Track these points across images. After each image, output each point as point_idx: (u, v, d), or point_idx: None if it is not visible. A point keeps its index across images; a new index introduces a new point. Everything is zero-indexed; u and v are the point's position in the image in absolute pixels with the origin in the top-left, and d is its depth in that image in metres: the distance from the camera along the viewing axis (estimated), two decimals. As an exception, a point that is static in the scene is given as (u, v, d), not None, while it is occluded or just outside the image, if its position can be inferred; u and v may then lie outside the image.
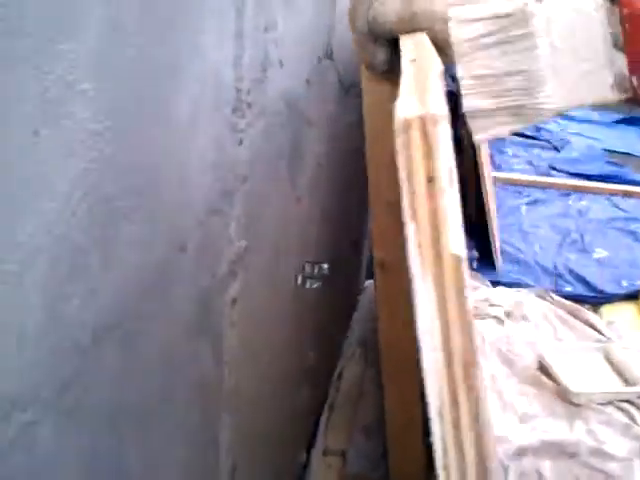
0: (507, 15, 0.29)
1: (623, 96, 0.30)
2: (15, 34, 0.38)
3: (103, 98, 0.47)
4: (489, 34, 0.28)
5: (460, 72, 0.30)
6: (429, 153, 0.25)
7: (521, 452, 1.35)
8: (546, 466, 1.33)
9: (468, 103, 0.31)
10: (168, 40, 0.56)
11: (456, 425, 0.29)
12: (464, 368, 0.27)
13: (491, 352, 1.67)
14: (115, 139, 0.49)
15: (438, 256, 0.26)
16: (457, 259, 0.26)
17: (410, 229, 0.25)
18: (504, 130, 0.32)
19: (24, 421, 0.43)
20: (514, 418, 1.47)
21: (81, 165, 0.46)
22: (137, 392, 0.57)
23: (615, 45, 0.29)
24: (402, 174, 0.26)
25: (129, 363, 0.55)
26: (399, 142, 0.26)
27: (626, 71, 0.29)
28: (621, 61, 0.29)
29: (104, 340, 0.51)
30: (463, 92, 0.29)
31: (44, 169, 0.43)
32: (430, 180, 0.25)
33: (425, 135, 0.25)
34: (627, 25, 0.29)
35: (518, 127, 0.31)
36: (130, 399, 0.56)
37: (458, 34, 0.29)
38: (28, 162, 0.41)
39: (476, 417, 0.30)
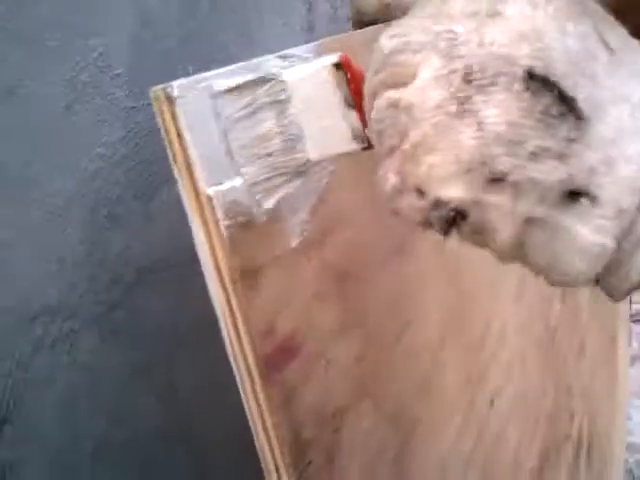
0: (259, 84, 0.34)
1: (362, 146, 0.34)
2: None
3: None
4: (246, 104, 0.33)
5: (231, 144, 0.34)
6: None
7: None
8: None
9: (246, 172, 0.34)
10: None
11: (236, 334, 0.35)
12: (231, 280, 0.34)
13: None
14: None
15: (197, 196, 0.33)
16: (209, 198, 0.33)
17: (175, 171, 0.32)
18: (287, 190, 0.37)
19: (67, 327, 0.57)
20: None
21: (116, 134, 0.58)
22: (189, 323, 0.67)
23: (348, 104, 0.33)
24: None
25: (179, 299, 0.66)
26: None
27: (359, 125, 0.33)
28: (354, 117, 0.33)
29: (151, 278, 0.63)
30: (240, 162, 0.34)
31: (78, 134, 0.55)
32: (179, 136, 0.31)
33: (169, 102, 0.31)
34: (352, 86, 0.33)
35: (296, 184, 0.37)
36: (181, 329, 0.67)
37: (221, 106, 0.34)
38: (63, 129, 0.54)
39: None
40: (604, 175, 0.29)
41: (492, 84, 0.29)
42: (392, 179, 0.31)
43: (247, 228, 0.33)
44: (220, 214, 0.31)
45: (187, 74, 0.36)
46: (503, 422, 0.67)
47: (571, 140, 0.28)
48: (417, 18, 0.32)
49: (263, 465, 0.35)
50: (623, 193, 0.29)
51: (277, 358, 0.34)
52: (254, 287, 0.33)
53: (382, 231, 0.46)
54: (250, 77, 0.33)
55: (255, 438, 0.34)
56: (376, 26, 0.48)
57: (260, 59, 0.36)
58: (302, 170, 0.36)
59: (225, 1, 0.70)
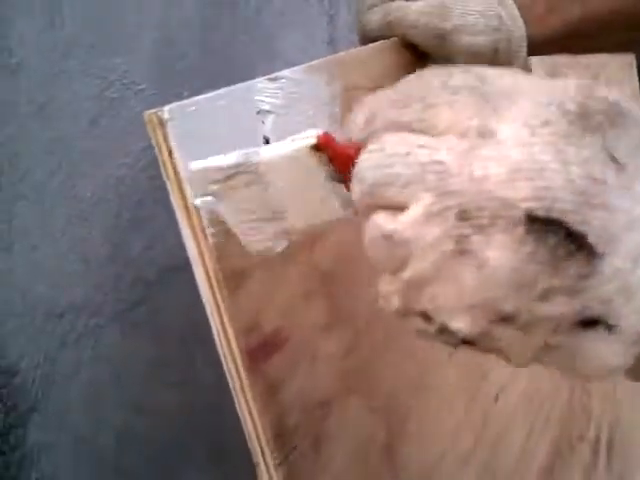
0: (236, 165, 0.35)
1: (350, 211, 0.33)
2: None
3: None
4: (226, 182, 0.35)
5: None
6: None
7: None
8: None
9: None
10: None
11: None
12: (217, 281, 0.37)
13: None
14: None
15: (186, 206, 0.36)
16: (197, 208, 0.36)
17: (167, 185, 0.36)
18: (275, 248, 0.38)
19: (92, 324, 0.61)
20: None
21: (140, 144, 0.62)
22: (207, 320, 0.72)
23: (333, 179, 0.33)
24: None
25: (198, 297, 0.70)
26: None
27: (348, 194, 0.32)
28: (341, 188, 0.33)
29: (171, 277, 0.68)
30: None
31: (104, 145, 0.60)
32: (170, 154, 0.35)
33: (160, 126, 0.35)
34: (335, 163, 0.32)
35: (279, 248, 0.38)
36: (200, 326, 0.71)
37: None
38: (90, 140, 0.59)
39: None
40: (621, 305, 0.27)
41: (490, 225, 0.27)
42: (396, 302, 0.30)
43: (233, 235, 0.36)
44: (206, 222, 0.35)
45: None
46: (509, 418, 0.69)
47: (583, 277, 0.26)
48: (396, 135, 0.29)
49: (251, 451, 0.38)
50: None
51: (262, 351, 0.37)
52: (240, 287, 0.37)
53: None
54: (228, 162, 0.35)
55: (244, 427, 0.38)
56: (371, 45, 0.52)
57: (251, 82, 0.39)
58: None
59: (247, 16, 0.74)
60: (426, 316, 0.29)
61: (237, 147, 0.36)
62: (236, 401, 0.38)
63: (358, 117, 0.31)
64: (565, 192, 0.26)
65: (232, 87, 0.38)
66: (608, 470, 1.06)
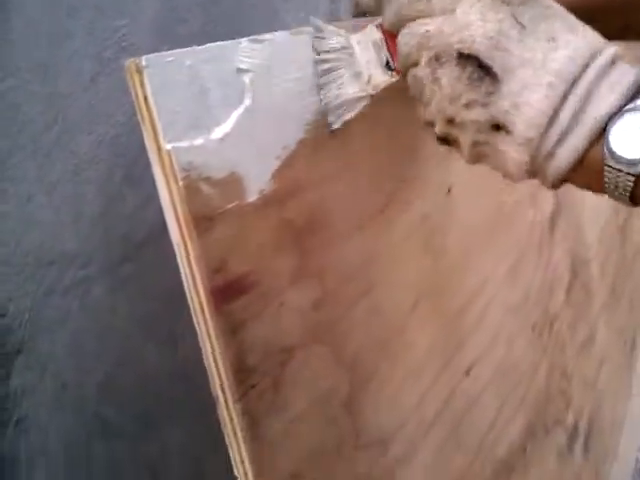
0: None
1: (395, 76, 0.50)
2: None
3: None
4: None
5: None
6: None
7: None
8: None
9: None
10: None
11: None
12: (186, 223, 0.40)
13: None
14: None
15: (159, 151, 0.39)
16: (169, 152, 0.38)
17: (143, 129, 0.38)
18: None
19: (80, 275, 0.64)
20: None
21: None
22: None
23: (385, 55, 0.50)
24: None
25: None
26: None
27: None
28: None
29: (161, 237, 0.70)
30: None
31: (101, 104, 0.62)
32: (145, 100, 0.37)
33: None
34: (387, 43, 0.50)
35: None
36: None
37: None
38: (88, 98, 0.61)
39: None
40: (514, 115, 0.43)
41: (446, 61, 0.45)
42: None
43: (204, 181, 0.39)
44: (177, 167, 0.37)
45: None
46: (479, 392, 0.71)
47: (489, 93, 0.43)
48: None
49: (212, 388, 0.41)
50: (528, 127, 0.42)
51: (227, 292, 0.40)
52: (209, 231, 0.39)
53: (353, 199, 0.51)
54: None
55: (205, 363, 0.40)
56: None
57: (234, 41, 0.41)
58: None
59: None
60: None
61: (210, 100, 0.39)
62: (200, 339, 0.40)
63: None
64: (481, 39, 0.43)
65: (214, 44, 0.40)
66: (584, 457, 1.08)
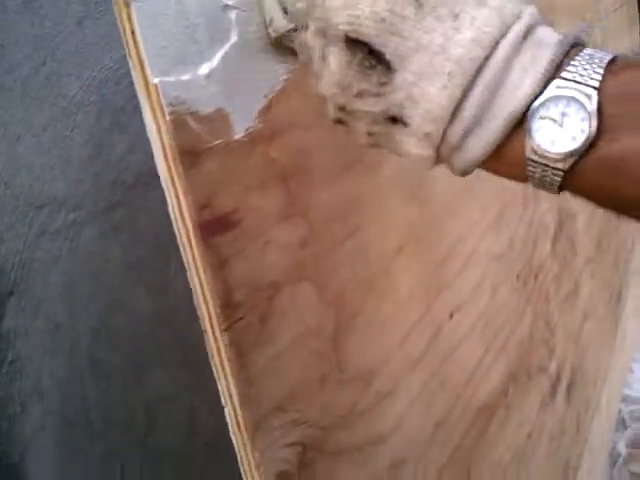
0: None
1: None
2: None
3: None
4: None
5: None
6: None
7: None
8: None
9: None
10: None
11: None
12: (173, 157, 0.40)
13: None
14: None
15: (146, 85, 0.39)
16: (156, 86, 0.39)
17: (130, 64, 0.39)
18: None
19: (71, 218, 0.65)
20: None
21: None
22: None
23: None
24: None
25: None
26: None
27: None
28: None
29: (150, 183, 0.71)
30: None
31: (88, 47, 0.63)
32: (133, 33, 0.38)
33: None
34: None
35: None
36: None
37: None
38: (75, 41, 0.61)
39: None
40: (410, 108, 0.37)
41: (334, 40, 0.38)
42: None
43: (191, 116, 0.39)
44: (165, 101, 0.38)
45: None
46: (463, 335, 0.73)
47: (382, 84, 0.37)
48: None
49: (200, 319, 0.42)
50: (425, 121, 0.37)
51: (214, 227, 0.40)
52: (196, 166, 0.40)
53: (340, 141, 0.52)
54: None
55: (194, 298, 0.42)
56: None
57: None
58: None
59: None
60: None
61: (197, 35, 0.39)
62: (188, 274, 0.41)
63: None
64: (369, 21, 0.36)
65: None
66: (566, 405, 1.11)
